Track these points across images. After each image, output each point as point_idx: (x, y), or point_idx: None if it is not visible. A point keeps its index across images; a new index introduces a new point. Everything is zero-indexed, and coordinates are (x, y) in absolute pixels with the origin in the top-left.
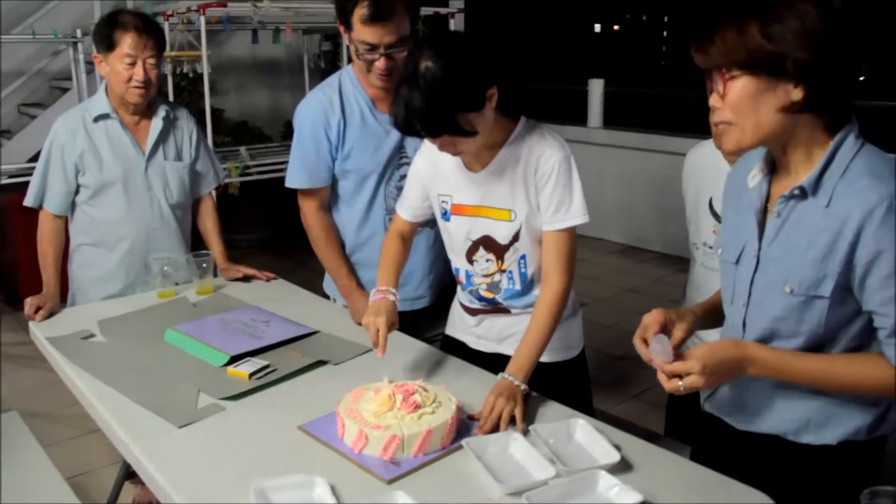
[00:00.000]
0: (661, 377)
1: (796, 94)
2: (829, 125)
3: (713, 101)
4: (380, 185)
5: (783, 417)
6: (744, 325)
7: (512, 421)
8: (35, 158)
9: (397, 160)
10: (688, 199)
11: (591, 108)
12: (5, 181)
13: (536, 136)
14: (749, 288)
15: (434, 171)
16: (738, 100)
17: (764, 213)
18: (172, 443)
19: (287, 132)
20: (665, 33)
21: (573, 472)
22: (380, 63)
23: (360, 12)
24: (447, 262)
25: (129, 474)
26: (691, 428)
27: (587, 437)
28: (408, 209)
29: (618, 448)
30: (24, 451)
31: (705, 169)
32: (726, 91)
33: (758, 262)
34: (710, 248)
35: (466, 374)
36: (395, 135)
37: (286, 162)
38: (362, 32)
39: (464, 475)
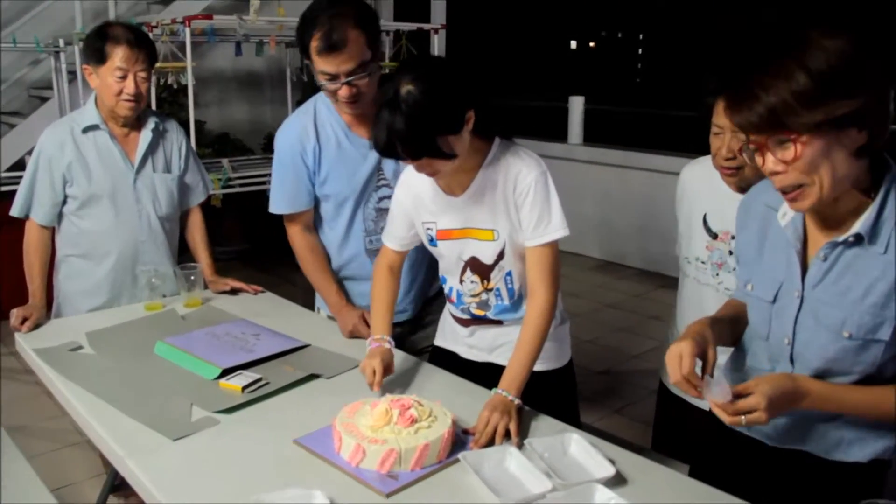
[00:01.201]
0: (721, 414)
1: (861, 138)
2: (872, 166)
3: (773, 166)
4: (358, 208)
5: (817, 435)
6: (792, 360)
7: (506, 435)
8: (14, 167)
9: (375, 183)
10: (681, 215)
11: (571, 125)
12: None
13: (511, 155)
14: (794, 327)
15: (415, 200)
16: (811, 160)
17: (803, 252)
18: (167, 456)
19: (267, 145)
20: (640, 50)
21: (569, 485)
22: (342, 92)
23: (314, 44)
24: (427, 276)
25: (114, 487)
26: (680, 443)
27: (582, 451)
28: (395, 239)
29: (612, 462)
30: (9, 463)
31: (700, 186)
32: (798, 155)
33: (801, 303)
34: (703, 262)
35: (459, 388)
36: (371, 158)
37: (267, 175)
38: (320, 63)
39: (461, 489)
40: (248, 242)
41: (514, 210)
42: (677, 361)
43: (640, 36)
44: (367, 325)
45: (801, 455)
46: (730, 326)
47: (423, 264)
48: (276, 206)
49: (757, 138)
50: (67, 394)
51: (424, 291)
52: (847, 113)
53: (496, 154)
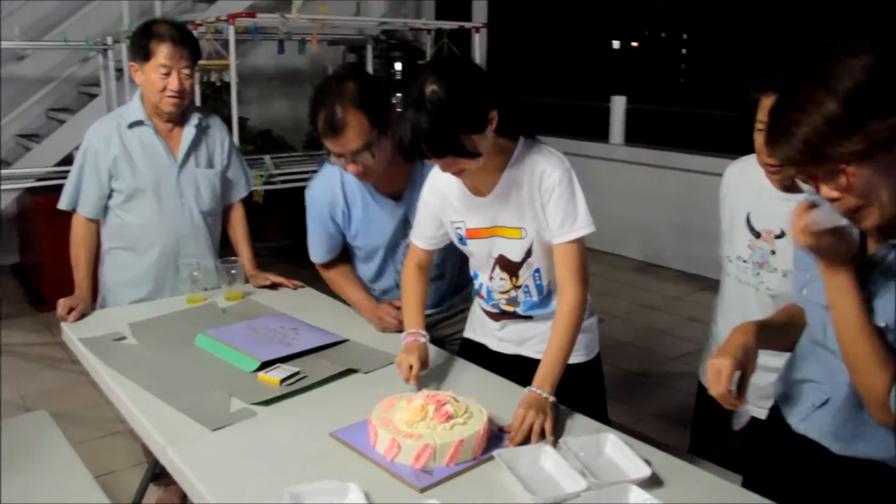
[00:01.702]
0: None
1: None
2: None
3: (828, 192)
4: (388, 256)
5: (887, 444)
6: None
7: (541, 433)
8: (63, 163)
9: (402, 232)
10: (724, 213)
11: (612, 125)
12: (33, 184)
13: (536, 154)
14: None
15: (442, 200)
16: (865, 185)
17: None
18: (206, 446)
19: (309, 143)
20: (684, 50)
21: (604, 485)
22: (350, 168)
23: (319, 125)
24: (452, 272)
25: (154, 476)
26: (719, 448)
27: (617, 451)
28: (424, 239)
29: (648, 463)
30: (54, 449)
31: (744, 184)
32: (850, 184)
33: None
34: (744, 261)
35: (494, 384)
36: (398, 212)
37: (308, 171)
38: (326, 143)
39: (495, 486)
40: (288, 239)
41: (540, 208)
42: (716, 377)
43: (684, 36)
44: (395, 309)
45: (868, 465)
46: (781, 331)
47: (445, 261)
48: (315, 257)
49: (806, 171)
50: (111, 382)
51: (448, 287)
52: (889, 136)
53: (521, 153)
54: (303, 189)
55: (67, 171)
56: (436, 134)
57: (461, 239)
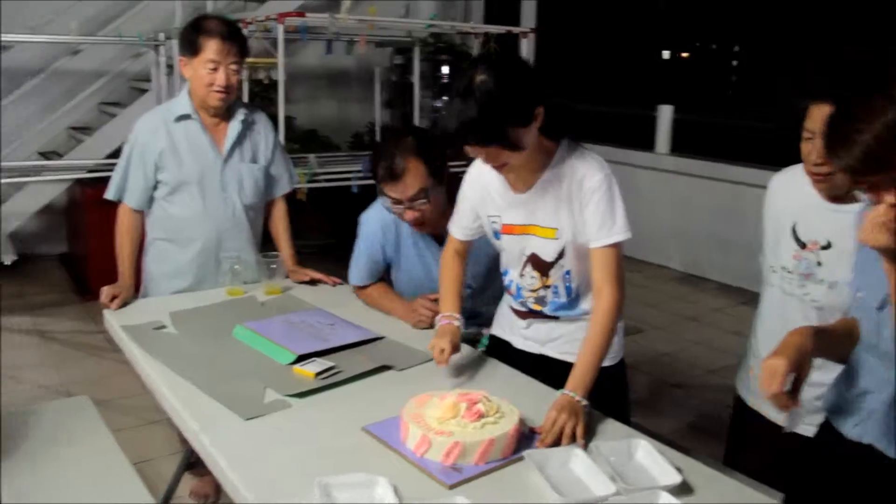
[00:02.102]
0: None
1: None
2: None
3: (891, 200)
4: (429, 289)
5: None
6: None
7: (572, 437)
8: (113, 155)
9: None
10: (768, 223)
11: (658, 134)
12: (83, 176)
13: (578, 156)
14: None
15: (483, 193)
16: None
17: None
18: (239, 434)
19: (354, 143)
20: (735, 62)
21: (634, 490)
22: (407, 216)
23: (380, 172)
24: (474, 271)
25: (188, 465)
26: (754, 461)
27: (648, 457)
28: (461, 230)
29: (679, 471)
30: (93, 434)
31: (790, 194)
32: None
33: None
34: (789, 272)
35: (525, 386)
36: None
37: (353, 171)
38: (385, 189)
39: (523, 486)
40: (330, 237)
41: (577, 210)
42: (770, 377)
43: (736, 48)
44: (430, 301)
45: None
46: (837, 340)
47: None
48: (354, 279)
49: (866, 179)
50: (148, 368)
51: (471, 285)
52: None
53: (563, 154)
54: (346, 189)
55: (115, 164)
56: (482, 123)
57: (496, 233)
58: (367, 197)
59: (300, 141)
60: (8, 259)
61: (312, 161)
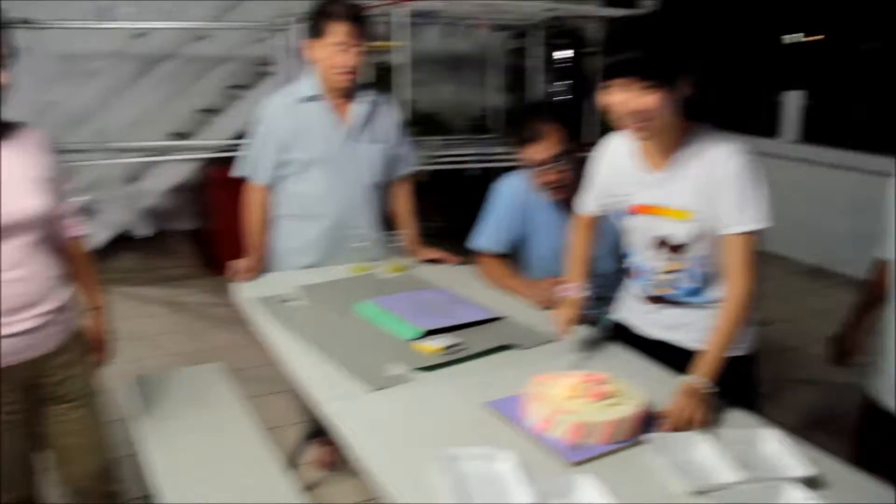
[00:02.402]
0: None
1: None
2: None
3: None
4: (552, 266)
5: None
6: None
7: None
8: (239, 136)
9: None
10: (893, 213)
11: (785, 121)
12: (210, 156)
13: (716, 140)
14: None
15: (613, 173)
16: None
17: None
18: (363, 406)
19: (474, 126)
20: (871, 46)
21: (762, 479)
22: (549, 175)
23: (521, 136)
24: (600, 253)
25: (313, 434)
26: (886, 462)
27: (777, 448)
28: (591, 204)
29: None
30: (227, 398)
31: None
32: None
33: None
34: None
35: (649, 370)
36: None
37: (471, 154)
38: (529, 152)
39: (645, 469)
40: (450, 219)
41: (714, 193)
42: None
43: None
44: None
45: None
46: None
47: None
48: (482, 242)
49: None
50: (276, 339)
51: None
52: None
53: (700, 136)
54: (462, 172)
55: (242, 144)
56: (647, 54)
57: (624, 213)
58: (485, 181)
59: (420, 124)
60: (145, 232)
61: (433, 144)
